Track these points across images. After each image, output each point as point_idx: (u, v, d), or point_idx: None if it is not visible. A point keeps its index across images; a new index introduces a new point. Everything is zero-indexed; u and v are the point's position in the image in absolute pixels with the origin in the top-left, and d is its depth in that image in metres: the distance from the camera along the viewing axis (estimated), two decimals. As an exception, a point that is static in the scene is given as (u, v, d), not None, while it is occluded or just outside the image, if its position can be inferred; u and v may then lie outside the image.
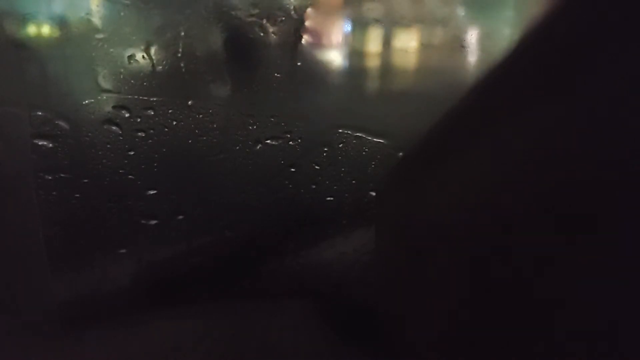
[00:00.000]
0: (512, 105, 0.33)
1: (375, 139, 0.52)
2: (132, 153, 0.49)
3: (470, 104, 0.38)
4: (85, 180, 0.50)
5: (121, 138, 0.49)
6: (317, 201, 0.54)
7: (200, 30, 0.48)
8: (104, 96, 0.48)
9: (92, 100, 0.48)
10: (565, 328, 0.28)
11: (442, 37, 0.52)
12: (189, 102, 0.49)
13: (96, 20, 0.46)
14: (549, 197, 0.28)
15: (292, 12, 0.48)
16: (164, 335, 0.54)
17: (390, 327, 0.45)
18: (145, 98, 0.48)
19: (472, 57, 0.51)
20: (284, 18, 0.48)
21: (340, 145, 0.52)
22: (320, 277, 0.57)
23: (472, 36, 0.50)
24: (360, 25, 0.51)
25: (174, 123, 0.49)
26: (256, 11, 0.47)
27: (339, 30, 0.51)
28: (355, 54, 0.53)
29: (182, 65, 0.49)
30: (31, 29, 0.46)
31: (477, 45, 0.51)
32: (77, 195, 0.50)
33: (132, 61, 0.47)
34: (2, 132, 0.48)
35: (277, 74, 0.50)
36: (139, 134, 0.49)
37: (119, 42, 0.46)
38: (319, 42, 0.51)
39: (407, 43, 0.52)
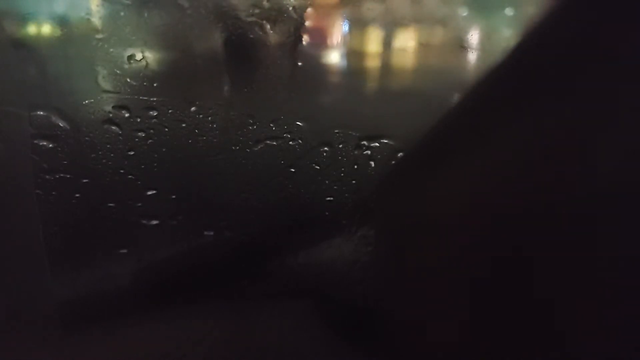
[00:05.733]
0: (511, 105, 0.33)
1: (375, 139, 0.52)
2: (132, 153, 0.49)
3: (471, 104, 0.38)
4: (85, 180, 0.50)
5: (121, 138, 0.49)
6: (317, 201, 0.54)
7: (200, 30, 0.48)
8: (104, 96, 0.48)
9: (92, 100, 0.48)
10: (564, 327, 0.28)
11: (442, 37, 0.52)
12: (189, 102, 0.49)
13: (96, 20, 0.46)
14: (549, 195, 0.28)
15: (292, 12, 0.48)
16: (164, 335, 0.54)
17: (390, 326, 0.45)
18: (145, 98, 0.48)
19: (472, 57, 0.51)
20: (284, 18, 0.48)
21: (340, 146, 0.52)
22: (320, 277, 0.57)
23: (472, 36, 0.50)
24: (360, 25, 0.51)
25: (174, 123, 0.49)
26: (256, 11, 0.47)
27: (339, 30, 0.51)
28: (355, 54, 0.53)
29: (181, 65, 0.49)
30: (31, 29, 0.46)
31: (477, 45, 0.51)
32: (77, 195, 0.50)
33: (132, 61, 0.47)
34: (2, 132, 0.48)
35: (277, 74, 0.50)
36: (139, 134, 0.49)
37: (119, 42, 0.46)
38: (319, 42, 0.51)
39: (407, 43, 0.52)
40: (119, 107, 0.48)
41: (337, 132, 0.52)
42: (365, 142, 0.52)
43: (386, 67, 0.54)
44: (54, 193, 0.49)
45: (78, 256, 0.53)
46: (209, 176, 0.53)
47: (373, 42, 0.52)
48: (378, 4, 0.50)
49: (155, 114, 0.49)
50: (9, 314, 0.51)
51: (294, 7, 0.48)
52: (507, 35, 0.50)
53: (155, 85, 0.48)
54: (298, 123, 0.51)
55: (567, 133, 0.28)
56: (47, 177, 0.49)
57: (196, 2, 0.46)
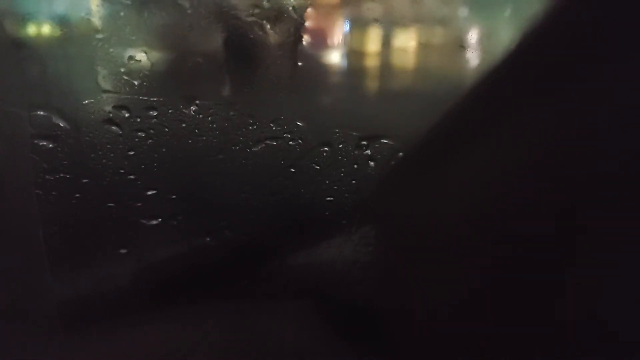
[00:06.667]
0: (511, 105, 0.33)
1: (375, 139, 0.52)
2: (132, 153, 0.49)
3: (470, 104, 0.38)
4: (85, 180, 0.50)
5: (121, 138, 0.49)
6: (317, 201, 0.54)
7: (199, 30, 0.48)
8: (104, 96, 0.48)
9: (92, 100, 0.48)
10: (565, 326, 0.28)
11: (442, 37, 0.52)
12: (189, 102, 0.49)
13: (96, 20, 0.46)
14: (548, 195, 0.28)
15: (292, 12, 0.48)
16: (164, 335, 0.54)
17: (390, 326, 0.45)
18: (145, 98, 0.48)
19: (472, 57, 0.51)
20: (284, 18, 0.48)
21: (340, 146, 0.52)
22: (320, 277, 0.57)
23: (472, 36, 0.50)
24: (360, 25, 0.51)
25: (174, 123, 0.49)
26: (256, 11, 0.47)
27: (339, 30, 0.51)
28: (356, 54, 0.53)
29: (181, 65, 0.49)
30: (31, 29, 0.46)
31: (477, 45, 0.51)
32: (77, 195, 0.50)
33: (132, 61, 0.47)
34: (2, 132, 0.48)
35: (277, 74, 0.50)
36: (139, 134, 0.49)
37: (119, 42, 0.46)
38: (319, 42, 0.51)
39: (407, 43, 0.52)
40: (119, 107, 0.48)
41: (337, 132, 0.52)
42: (365, 142, 0.52)
43: (386, 67, 0.54)
44: (54, 193, 0.49)
45: (78, 256, 0.53)
46: (209, 176, 0.53)
47: (373, 42, 0.52)
48: (378, 4, 0.50)
49: (155, 114, 0.49)
50: (9, 314, 0.51)
51: (294, 7, 0.48)
52: (507, 36, 0.50)
53: (155, 85, 0.48)
54: (298, 123, 0.51)
55: (567, 133, 0.28)
56: (47, 177, 0.49)
57: (196, 2, 0.46)
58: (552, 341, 0.29)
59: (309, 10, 0.48)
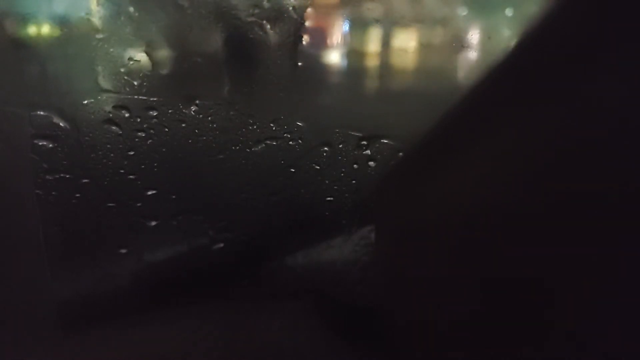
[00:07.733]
0: (512, 105, 0.33)
1: (375, 139, 0.52)
2: (132, 153, 0.49)
3: (471, 104, 0.38)
4: (85, 180, 0.50)
5: (121, 138, 0.49)
6: (317, 201, 0.54)
7: (200, 30, 0.48)
8: (104, 96, 0.48)
9: (92, 100, 0.48)
10: (565, 330, 0.28)
11: (442, 37, 0.52)
12: (189, 102, 0.49)
13: (96, 20, 0.46)
14: (549, 197, 0.28)
15: (292, 12, 0.48)
16: (164, 335, 0.54)
17: (390, 327, 0.45)
18: (145, 98, 0.48)
19: (472, 57, 0.51)
20: (284, 18, 0.48)
21: (340, 146, 0.52)
22: (320, 277, 0.57)
23: (472, 36, 0.50)
24: (360, 25, 0.51)
25: (174, 123, 0.49)
26: (256, 11, 0.47)
27: (339, 30, 0.51)
28: (355, 54, 0.53)
29: (182, 65, 0.49)
30: (31, 29, 0.46)
31: (477, 45, 0.51)
32: (77, 195, 0.50)
33: (132, 61, 0.47)
34: (2, 132, 0.48)
35: (277, 74, 0.50)
36: (139, 134, 0.49)
37: (119, 42, 0.46)
38: (319, 42, 0.51)
39: (407, 43, 0.52)
40: (119, 107, 0.48)
41: (337, 132, 0.52)
42: (365, 142, 0.52)
43: (386, 67, 0.54)
44: (54, 193, 0.49)
45: (78, 256, 0.53)
46: (209, 176, 0.53)
47: (373, 42, 0.52)
48: (378, 4, 0.50)
49: (155, 114, 0.49)
50: (9, 314, 0.51)
51: (294, 7, 0.48)
52: (508, 35, 0.50)
53: (155, 85, 0.48)
54: (298, 123, 0.51)
55: (568, 133, 0.28)
56: (47, 177, 0.49)
57: (196, 2, 0.46)
58: (555, 349, 0.29)
59: (309, 10, 0.48)
